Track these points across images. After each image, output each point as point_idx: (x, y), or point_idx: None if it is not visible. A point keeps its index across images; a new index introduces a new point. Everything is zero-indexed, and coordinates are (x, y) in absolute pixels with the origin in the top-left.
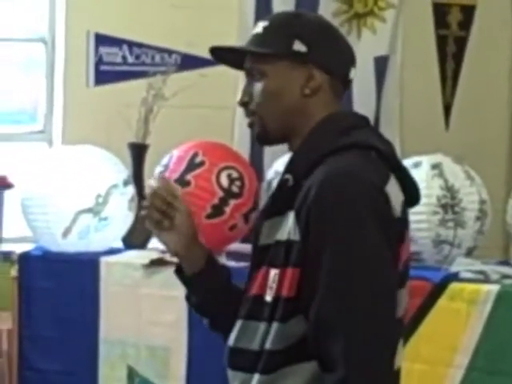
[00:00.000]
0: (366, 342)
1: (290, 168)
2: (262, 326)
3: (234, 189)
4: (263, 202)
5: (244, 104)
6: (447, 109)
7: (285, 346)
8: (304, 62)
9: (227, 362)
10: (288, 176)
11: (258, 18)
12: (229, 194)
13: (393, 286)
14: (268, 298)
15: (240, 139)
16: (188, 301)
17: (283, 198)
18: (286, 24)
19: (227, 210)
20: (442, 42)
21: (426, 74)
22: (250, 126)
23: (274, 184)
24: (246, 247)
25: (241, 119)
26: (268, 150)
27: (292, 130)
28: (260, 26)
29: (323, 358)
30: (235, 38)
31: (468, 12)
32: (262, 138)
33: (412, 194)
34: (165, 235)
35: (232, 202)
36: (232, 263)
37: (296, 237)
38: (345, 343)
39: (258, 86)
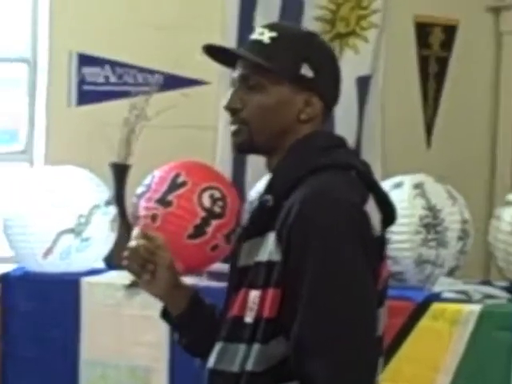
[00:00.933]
0: (348, 364)
1: (269, 189)
2: (243, 347)
3: (216, 209)
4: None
5: (233, 110)
6: (429, 128)
7: (266, 367)
8: (307, 88)
9: None
10: (268, 197)
11: (241, 38)
12: (211, 215)
13: (373, 307)
14: (248, 319)
15: (222, 159)
16: (179, 343)
17: (263, 219)
18: (296, 42)
19: (209, 230)
20: (423, 62)
21: (408, 93)
22: (235, 133)
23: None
24: (227, 267)
25: (223, 139)
26: (250, 170)
27: (276, 148)
28: (266, 35)
29: (305, 379)
30: None
31: (450, 32)
32: (245, 148)
33: (388, 214)
34: (146, 283)
35: (214, 223)
36: (214, 283)
37: (277, 257)
38: (326, 365)
39: (255, 99)
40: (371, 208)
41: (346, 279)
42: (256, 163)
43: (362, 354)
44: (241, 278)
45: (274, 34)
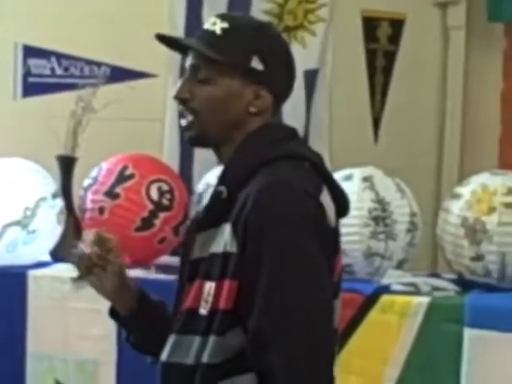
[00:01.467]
0: (306, 356)
1: (223, 180)
2: (198, 339)
3: (164, 201)
4: (192, 214)
5: (181, 100)
6: (376, 122)
7: (223, 359)
8: (256, 81)
9: (161, 377)
10: (222, 188)
11: (189, 30)
12: (159, 207)
13: (330, 297)
14: (203, 311)
15: (169, 152)
16: (127, 341)
17: (217, 211)
18: (247, 34)
19: (157, 222)
20: (371, 56)
21: (356, 87)
22: (186, 127)
23: (206, 196)
24: (176, 260)
25: (170, 132)
26: (197, 163)
27: (226, 140)
28: (218, 26)
29: (263, 370)
30: (165, 49)
31: (397, 26)
32: (198, 141)
33: (341, 205)
34: (94, 280)
35: (162, 215)
36: (161, 276)
37: (233, 249)
38: (285, 357)
39: (204, 90)
40: (326, 199)
41: (303, 270)
42: (203, 156)
43: (320, 346)
44: (194, 269)
45: (225, 25)
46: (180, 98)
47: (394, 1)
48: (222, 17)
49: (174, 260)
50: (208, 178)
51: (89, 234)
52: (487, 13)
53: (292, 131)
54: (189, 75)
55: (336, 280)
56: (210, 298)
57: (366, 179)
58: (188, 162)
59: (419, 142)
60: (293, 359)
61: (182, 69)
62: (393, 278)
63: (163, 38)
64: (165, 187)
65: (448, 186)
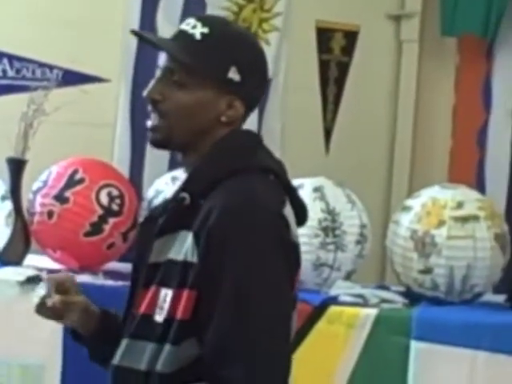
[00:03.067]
0: (264, 369)
1: (186, 186)
2: (151, 346)
3: (114, 207)
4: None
5: (152, 101)
6: (328, 133)
7: (176, 368)
8: (231, 91)
9: (111, 382)
10: (185, 195)
11: None
12: (108, 212)
13: (290, 312)
14: (158, 318)
15: (120, 157)
16: (92, 360)
17: (178, 217)
18: (227, 43)
19: (106, 228)
20: (324, 66)
21: (308, 97)
22: (153, 129)
23: (156, 202)
24: (124, 266)
25: (121, 137)
26: (148, 169)
27: (192, 146)
28: (198, 30)
29: (219, 381)
30: (118, 54)
31: (351, 38)
32: (161, 143)
33: (300, 215)
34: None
35: (111, 221)
36: (109, 282)
37: (194, 259)
38: (242, 370)
39: (177, 95)
40: (289, 213)
41: (265, 286)
42: (153, 162)
43: (279, 359)
44: (150, 274)
45: (205, 30)
46: (151, 99)
47: (348, 12)
48: (203, 21)
49: (122, 266)
50: (158, 184)
51: (46, 284)
52: (440, 27)
53: (257, 139)
54: (162, 76)
55: (294, 292)
56: (166, 306)
57: (317, 189)
58: (138, 168)
59: (370, 154)
60: (250, 373)
61: (135, 74)
62: (341, 289)
63: (138, 34)
64: (115, 192)
65: (398, 199)
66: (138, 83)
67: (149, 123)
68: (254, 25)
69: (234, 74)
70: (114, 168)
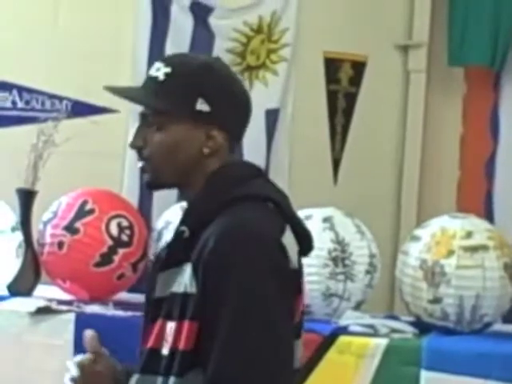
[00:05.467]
0: None
1: (185, 220)
2: (159, 380)
3: (124, 237)
4: (152, 251)
5: (136, 148)
6: (336, 163)
7: None
8: (205, 122)
9: None
10: (184, 228)
11: (151, 64)
12: (118, 243)
13: (291, 345)
14: (165, 351)
15: (129, 187)
16: None
17: (179, 250)
18: (190, 77)
19: (116, 258)
20: (332, 97)
21: (316, 128)
22: (142, 170)
23: (166, 234)
24: (134, 297)
25: (130, 167)
26: (157, 200)
27: (185, 181)
28: (161, 71)
29: None
30: (127, 85)
31: (359, 68)
32: (152, 185)
33: (305, 244)
34: None
35: (121, 251)
36: (119, 312)
37: (193, 290)
38: None
39: (155, 137)
40: (288, 240)
41: (263, 317)
42: (162, 193)
43: None
44: (157, 309)
45: (168, 70)
46: (134, 147)
47: (356, 43)
48: (166, 61)
49: (132, 296)
50: (167, 215)
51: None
52: (448, 57)
53: (257, 169)
54: (141, 123)
55: (297, 320)
56: (170, 338)
57: (326, 220)
58: (147, 199)
59: (378, 184)
60: None
61: None
62: (351, 319)
63: (109, 89)
64: (124, 223)
65: (406, 229)
66: None
67: (139, 166)
68: (263, 55)
69: (202, 105)
70: (124, 198)
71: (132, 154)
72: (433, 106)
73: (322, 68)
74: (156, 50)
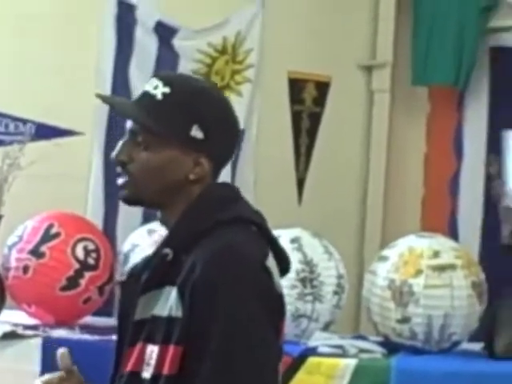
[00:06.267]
0: None
1: (168, 242)
2: None
3: (90, 261)
4: (119, 274)
5: (120, 162)
6: (300, 183)
7: None
8: (196, 149)
9: None
10: (167, 250)
11: (116, 88)
12: (84, 266)
13: (276, 370)
14: (145, 374)
15: (94, 210)
16: None
17: (161, 273)
18: (189, 101)
19: (82, 282)
20: (296, 117)
21: (281, 148)
22: (121, 186)
23: (132, 257)
24: (101, 320)
25: (94, 190)
26: (122, 222)
27: (165, 203)
28: (160, 90)
29: None
30: (92, 108)
31: (323, 88)
32: (131, 200)
33: (283, 265)
34: None
35: (87, 275)
36: (86, 336)
37: (178, 313)
38: None
39: (142, 156)
40: (272, 263)
41: (250, 342)
42: (127, 215)
43: None
44: (137, 332)
45: (167, 90)
46: (118, 161)
47: (320, 63)
48: (165, 80)
49: (98, 320)
50: (133, 238)
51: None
52: (412, 77)
53: (235, 192)
54: (128, 138)
55: (280, 343)
56: (153, 362)
57: (294, 240)
58: (112, 222)
59: (343, 204)
60: None
61: (108, 127)
62: (320, 339)
63: (102, 98)
64: (91, 246)
65: (371, 248)
66: (111, 136)
67: (119, 181)
68: (227, 77)
69: (196, 132)
70: (89, 222)
71: (97, 177)
72: (397, 126)
73: (286, 88)
74: (120, 71)
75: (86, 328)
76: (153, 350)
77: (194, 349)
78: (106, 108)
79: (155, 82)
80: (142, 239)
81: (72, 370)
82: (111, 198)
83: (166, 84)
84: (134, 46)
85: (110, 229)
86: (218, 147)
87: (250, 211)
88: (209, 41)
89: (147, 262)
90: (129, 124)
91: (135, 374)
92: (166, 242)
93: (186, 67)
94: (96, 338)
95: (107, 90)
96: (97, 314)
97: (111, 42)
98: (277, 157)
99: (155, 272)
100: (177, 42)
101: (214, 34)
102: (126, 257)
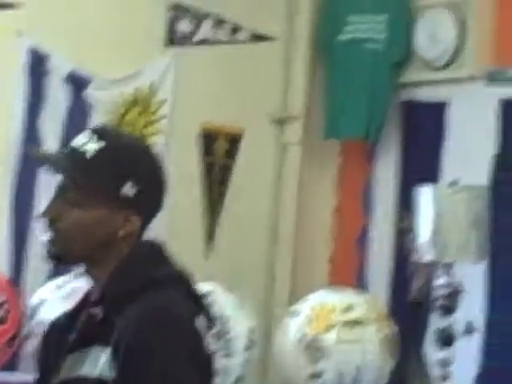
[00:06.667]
0: None
1: (100, 302)
2: None
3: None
4: (26, 328)
5: (49, 220)
6: (211, 235)
7: None
8: (127, 206)
9: None
10: (97, 310)
11: (27, 138)
12: None
13: None
14: None
15: (1, 261)
16: None
17: (90, 332)
18: (122, 158)
19: None
20: (208, 169)
21: (191, 200)
22: (49, 242)
23: (42, 311)
24: (9, 375)
25: (3, 244)
26: (29, 276)
27: (94, 260)
28: (93, 145)
29: None
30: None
31: (234, 141)
32: (59, 257)
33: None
34: None
35: None
36: None
37: (110, 374)
38: None
39: (71, 213)
40: (201, 323)
41: None
42: (36, 270)
43: None
44: None
45: (101, 145)
46: (47, 218)
47: (233, 115)
48: (99, 134)
49: (6, 375)
50: (42, 292)
51: None
52: (324, 130)
53: (162, 249)
54: (57, 194)
55: None
56: None
57: (206, 295)
58: (19, 275)
59: (251, 258)
60: None
61: (19, 177)
62: None
63: (33, 153)
64: (0, 299)
65: (280, 303)
66: (20, 184)
67: (45, 237)
68: (138, 128)
69: (128, 190)
70: None
71: (4, 227)
72: (308, 179)
73: (198, 140)
74: (30, 121)
75: None
76: None
77: None
78: (13, 160)
79: (88, 136)
80: (50, 294)
81: None
82: (18, 251)
83: (100, 138)
84: (45, 95)
85: (16, 283)
86: (148, 203)
87: (178, 270)
88: (121, 91)
89: (71, 319)
90: (57, 179)
91: None
92: (96, 303)
93: (98, 118)
94: None
95: (16, 145)
96: (3, 369)
97: (21, 94)
98: (186, 209)
99: (84, 331)
100: (89, 92)
101: (127, 84)
102: (34, 311)
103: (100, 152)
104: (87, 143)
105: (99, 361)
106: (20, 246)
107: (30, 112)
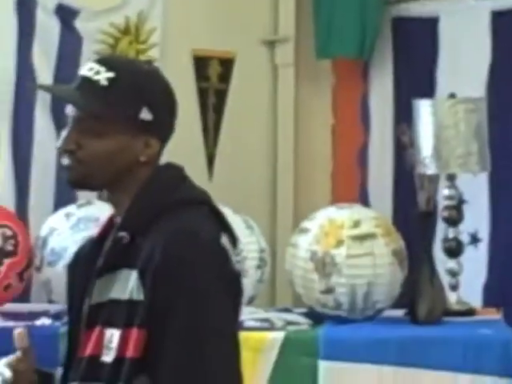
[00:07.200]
0: None
1: (124, 225)
2: None
3: (8, 247)
4: (39, 259)
5: (69, 151)
6: (210, 159)
7: None
8: (145, 131)
9: None
10: (123, 234)
11: (20, 73)
12: (3, 253)
13: (238, 348)
14: (106, 358)
15: (5, 195)
16: None
17: (117, 256)
18: (136, 85)
19: (2, 269)
20: (202, 94)
21: (189, 126)
22: (69, 168)
23: (52, 241)
24: (22, 306)
25: (5, 175)
26: (33, 207)
27: (116, 186)
28: (103, 75)
29: None
30: None
31: (227, 65)
32: (79, 184)
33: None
34: None
35: (6, 261)
36: (9, 323)
37: (140, 297)
38: None
39: (91, 143)
40: (226, 242)
41: (213, 321)
42: (39, 200)
43: None
44: (94, 316)
45: (111, 75)
46: (65, 151)
47: (224, 40)
48: (107, 64)
49: (20, 306)
50: (51, 221)
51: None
52: (315, 50)
53: (182, 171)
54: (72, 126)
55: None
56: (114, 346)
57: None
58: (23, 206)
59: (253, 179)
60: None
61: (15, 114)
62: (245, 314)
63: (44, 88)
64: (8, 232)
65: (283, 223)
66: (18, 118)
67: (65, 161)
68: (131, 57)
69: (145, 114)
70: (5, 208)
71: (6, 161)
72: (302, 99)
73: (190, 66)
74: (23, 56)
75: (8, 315)
76: (113, 334)
77: (157, 332)
78: (9, 95)
79: (96, 67)
80: (59, 223)
81: (29, 350)
82: (22, 182)
83: (109, 69)
84: (35, 29)
85: (21, 213)
86: (164, 126)
87: (199, 191)
88: (111, 21)
89: (96, 246)
90: (70, 111)
91: (94, 358)
92: (121, 226)
93: (89, 49)
94: (19, 324)
95: (11, 78)
96: (16, 300)
97: (12, 27)
98: (185, 134)
99: (111, 255)
100: (79, 24)
101: (116, 14)
102: (45, 241)
103: (114, 80)
104: (96, 74)
105: (128, 283)
106: (23, 179)
107: (22, 46)
